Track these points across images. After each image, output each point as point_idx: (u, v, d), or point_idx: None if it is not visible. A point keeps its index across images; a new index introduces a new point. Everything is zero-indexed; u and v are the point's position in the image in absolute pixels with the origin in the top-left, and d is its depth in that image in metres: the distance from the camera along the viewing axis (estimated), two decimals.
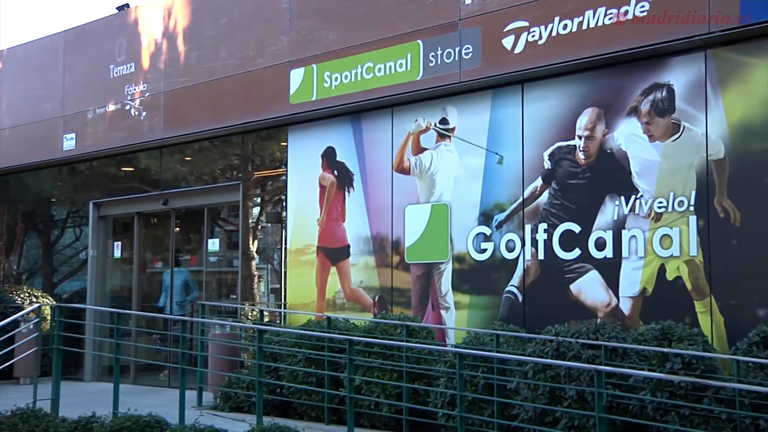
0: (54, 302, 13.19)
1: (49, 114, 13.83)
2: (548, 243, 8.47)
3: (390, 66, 9.55)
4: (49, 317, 11.55)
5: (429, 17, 9.31)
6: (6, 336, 9.84)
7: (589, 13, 8.13)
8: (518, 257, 8.68)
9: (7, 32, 40.91)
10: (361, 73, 9.80)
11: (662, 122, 7.86)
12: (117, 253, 13.55)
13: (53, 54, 13.94)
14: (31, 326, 10.16)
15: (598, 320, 7.65)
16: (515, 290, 8.67)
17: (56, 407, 8.49)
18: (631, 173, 8.00)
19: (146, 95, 12.35)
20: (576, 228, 8.30)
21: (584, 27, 8.16)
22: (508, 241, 8.77)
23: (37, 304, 10.94)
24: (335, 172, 10.34)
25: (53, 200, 14.85)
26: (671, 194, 7.74)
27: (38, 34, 16.94)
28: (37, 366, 9.05)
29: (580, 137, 8.36)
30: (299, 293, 10.54)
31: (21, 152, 14.28)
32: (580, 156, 8.35)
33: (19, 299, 13.27)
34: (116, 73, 12.83)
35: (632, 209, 7.95)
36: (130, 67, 12.64)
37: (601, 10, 8.05)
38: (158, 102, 12.18)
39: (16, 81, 14.67)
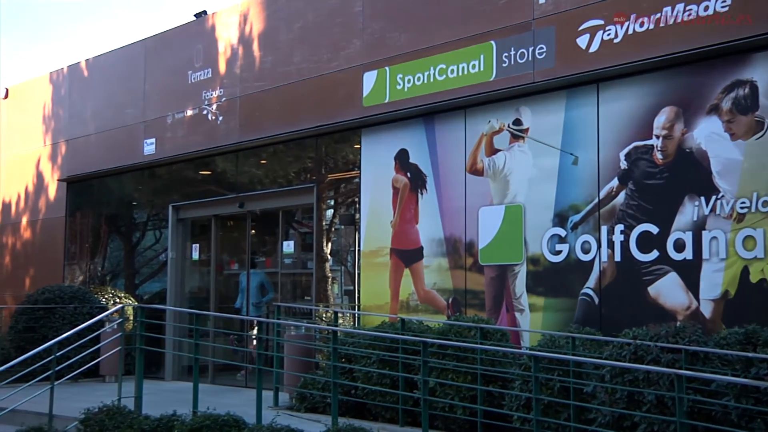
0: (136, 303, 13.57)
1: (130, 120, 14.26)
2: (625, 244, 8.32)
3: (463, 67, 9.53)
4: (131, 317, 11.91)
5: (502, 17, 9.26)
6: (92, 335, 10.17)
7: (667, 9, 7.96)
8: (594, 259, 8.55)
9: (92, 42, 42.33)
10: (434, 74, 9.81)
11: (745, 120, 7.63)
12: (195, 255, 13.83)
13: (135, 62, 14.37)
14: (115, 326, 10.47)
15: (678, 323, 7.48)
16: (591, 292, 8.54)
17: (139, 405, 8.73)
18: (711, 173, 7.79)
19: (223, 100, 12.62)
20: (654, 229, 8.13)
21: (662, 24, 7.99)
22: (584, 242, 8.65)
23: (121, 305, 11.29)
24: (408, 174, 10.37)
25: (134, 203, 15.27)
26: (754, 194, 7.50)
27: (121, 43, 17.46)
28: (121, 365, 9.32)
29: (657, 136, 8.19)
30: (373, 295, 10.61)
31: (105, 157, 14.76)
32: (658, 156, 8.17)
33: (104, 300, 13.68)
34: (194, 78, 13.15)
35: (713, 210, 7.75)
36: (207, 72, 12.93)
37: (680, 7, 7.87)
38: (234, 106, 12.43)
39: (100, 88, 15.18)
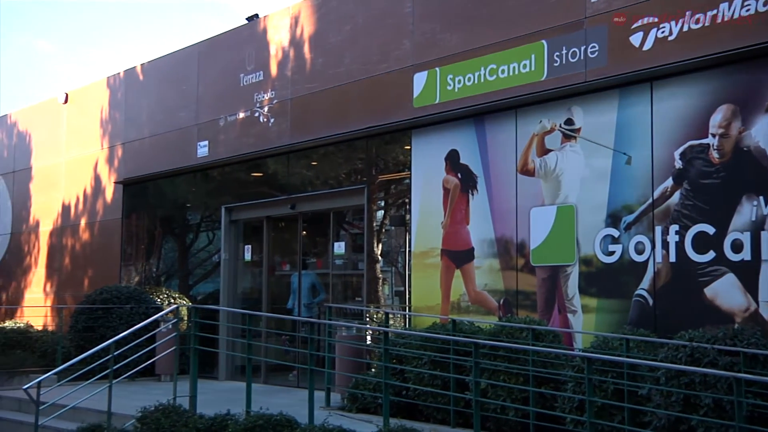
0: (190, 303, 13.77)
1: (184, 122, 14.50)
2: (680, 245, 8.17)
3: (514, 67, 9.47)
4: (186, 318, 12.10)
5: (553, 17, 9.18)
6: (148, 335, 10.36)
7: (724, 5, 7.80)
8: (648, 259, 8.42)
9: (148, 47, 43.13)
10: (485, 74, 9.77)
11: None
12: (247, 256, 13.98)
13: (188, 65, 14.61)
14: (170, 326, 10.64)
15: (736, 326, 7.32)
16: (645, 293, 8.42)
17: (194, 404, 8.86)
18: None
19: (274, 102, 12.75)
20: (710, 229, 7.97)
21: (718, 20, 7.84)
22: (637, 243, 8.52)
23: (175, 305, 11.45)
24: (459, 175, 10.34)
25: (188, 205, 15.49)
26: None
27: (175, 47, 17.76)
28: (176, 364, 9.48)
29: (713, 135, 8.03)
30: (424, 296, 10.60)
31: (159, 160, 15.04)
32: (714, 155, 8.01)
33: (159, 300, 13.92)
34: (246, 81, 13.30)
35: None
36: (259, 75, 13.08)
37: (737, 2, 7.71)
38: (285, 108, 12.55)
39: (155, 92, 15.46)
